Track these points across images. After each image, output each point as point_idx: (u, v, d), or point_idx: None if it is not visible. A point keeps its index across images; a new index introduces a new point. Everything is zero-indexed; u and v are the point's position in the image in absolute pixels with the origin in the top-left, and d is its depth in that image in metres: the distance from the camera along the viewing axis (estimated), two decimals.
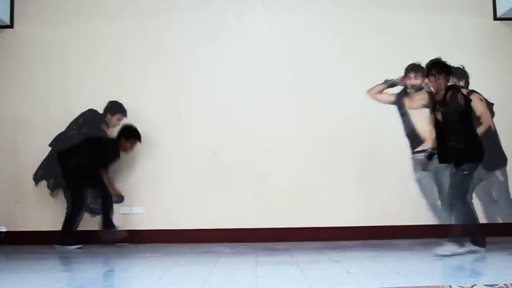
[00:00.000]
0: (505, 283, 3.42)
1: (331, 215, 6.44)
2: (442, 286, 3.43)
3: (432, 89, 5.23)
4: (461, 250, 4.91)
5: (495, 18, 6.78)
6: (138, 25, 6.73)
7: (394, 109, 6.54)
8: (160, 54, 6.67)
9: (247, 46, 6.72)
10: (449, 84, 5.10)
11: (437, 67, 5.06)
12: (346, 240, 6.26)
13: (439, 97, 5.08)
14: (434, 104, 5.22)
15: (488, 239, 6.05)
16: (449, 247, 4.91)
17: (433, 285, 3.58)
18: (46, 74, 6.63)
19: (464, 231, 4.97)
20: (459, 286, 3.41)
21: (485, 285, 3.41)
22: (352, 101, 6.49)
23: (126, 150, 6.31)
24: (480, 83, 6.72)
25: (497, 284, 3.42)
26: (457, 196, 5.00)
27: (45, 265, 4.87)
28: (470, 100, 5.14)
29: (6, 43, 6.70)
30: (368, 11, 6.78)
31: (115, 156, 6.25)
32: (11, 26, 6.70)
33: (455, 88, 5.07)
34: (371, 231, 6.30)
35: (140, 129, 6.33)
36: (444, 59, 6.63)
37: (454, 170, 5.03)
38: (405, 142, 6.49)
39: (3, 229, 6.42)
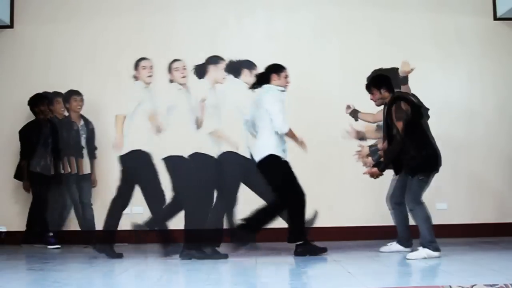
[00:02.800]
0: (505, 283, 3.42)
1: (332, 215, 6.42)
2: (442, 286, 3.44)
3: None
4: (435, 253, 4.78)
5: (495, 18, 6.79)
6: (138, 26, 6.72)
7: None
8: (160, 55, 6.64)
9: (247, 47, 6.69)
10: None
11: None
12: (346, 240, 6.26)
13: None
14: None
15: (487, 239, 6.08)
16: (423, 252, 4.78)
17: (433, 285, 3.58)
18: (46, 74, 6.62)
19: (430, 232, 4.83)
20: (459, 286, 3.41)
21: (485, 285, 3.41)
22: (353, 101, 6.45)
23: (45, 113, 6.25)
24: (480, 82, 6.73)
25: (497, 284, 3.42)
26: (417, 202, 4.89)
27: (45, 265, 4.87)
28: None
29: (6, 43, 6.70)
30: (369, 12, 6.78)
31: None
32: (11, 26, 6.70)
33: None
34: (371, 231, 6.29)
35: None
36: (444, 58, 6.73)
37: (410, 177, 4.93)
38: None
39: (3, 229, 6.40)
